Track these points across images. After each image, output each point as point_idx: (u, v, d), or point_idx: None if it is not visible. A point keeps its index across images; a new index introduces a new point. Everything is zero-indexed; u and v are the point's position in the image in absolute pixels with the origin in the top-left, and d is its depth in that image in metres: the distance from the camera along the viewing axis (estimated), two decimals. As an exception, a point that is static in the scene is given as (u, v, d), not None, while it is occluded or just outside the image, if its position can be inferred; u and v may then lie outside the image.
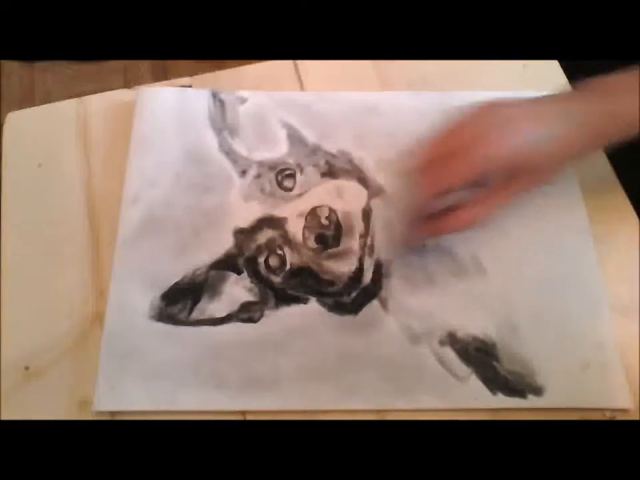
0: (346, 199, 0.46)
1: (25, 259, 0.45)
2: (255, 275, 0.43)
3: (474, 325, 0.41)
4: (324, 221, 0.45)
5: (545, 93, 0.50)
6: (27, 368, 0.41)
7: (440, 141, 0.39)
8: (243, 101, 0.50)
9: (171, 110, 0.49)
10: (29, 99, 1.24)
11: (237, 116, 0.50)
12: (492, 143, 0.38)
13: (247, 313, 0.42)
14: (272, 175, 0.47)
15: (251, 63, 0.53)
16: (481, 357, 0.40)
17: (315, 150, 0.48)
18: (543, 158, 0.39)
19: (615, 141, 0.40)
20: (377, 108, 0.50)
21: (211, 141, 0.48)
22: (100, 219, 0.46)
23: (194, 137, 0.48)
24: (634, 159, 0.45)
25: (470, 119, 0.39)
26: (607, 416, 0.39)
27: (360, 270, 0.43)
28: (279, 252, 0.44)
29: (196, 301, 0.42)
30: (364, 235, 0.45)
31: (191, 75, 0.53)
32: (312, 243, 0.44)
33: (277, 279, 0.43)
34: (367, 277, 0.43)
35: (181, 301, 0.42)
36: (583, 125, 0.39)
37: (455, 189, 0.38)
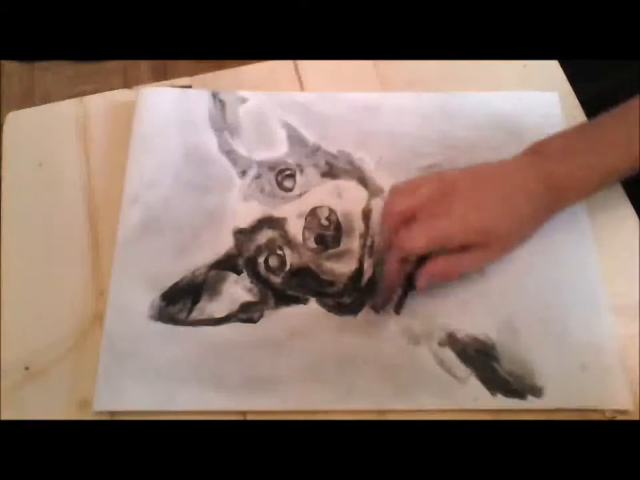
0: (346, 199, 0.46)
1: (25, 259, 0.45)
2: (255, 275, 0.43)
3: (474, 326, 0.41)
4: (324, 222, 0.45)
5: (546, 92, 0.50)
6: (27, 368, 0.41)
7: (405, 200, 0.40)
8: (243, 101, 0.50)
9: (171, 110, 0.49)
10: (29, 99, 1.24)
11: (237, 116, 0.50)
12: (455, 214, 0.39)
13: (246, 313, 0.42)
14: (272, 175, 0.47)
15: (250, 63, 0.53)
16: (480, 357, 0.40)
17: (315, 150, 0.48)
18: (507, 235, 0.41)
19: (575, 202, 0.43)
20: (377, 108, 0.50)
21: (211, 141, 0.48)
22: (100, 219, 0.46)
23: (194, 137, 0.48)
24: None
25: (435, 180, 0.40)
26: (607, 417, 0.38)
27: (360, 270, 0.43)
28: (279, 252, 0.44)
29: (196, 301, 0.42)
30: (364, 236, 0.45)
31: (191, 75, 0.53)
32: (312, 244, 0.44)
33: (276, 279, 0.43)
34: (367, 277, 0.43)
35: (180, 301, 0.42)
36: (544, 203, 0.41)
37: (415, 254, 0.39)
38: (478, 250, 0.40)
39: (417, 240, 0.38)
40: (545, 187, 0.40)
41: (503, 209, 0.40)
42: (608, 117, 0.41)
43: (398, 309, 0.41)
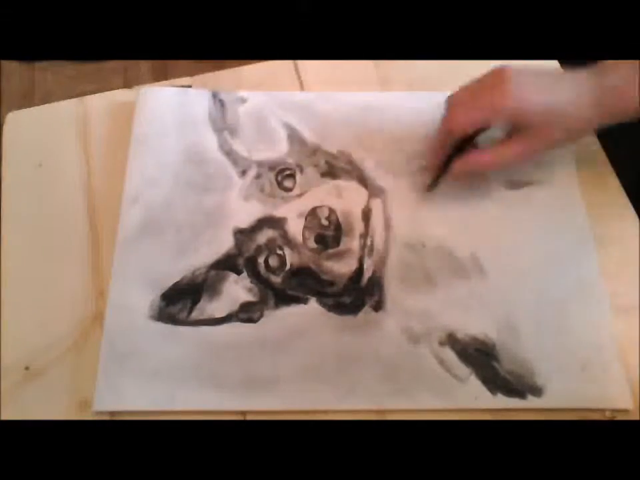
0: (346, 199, 0.46)
1: (25, 259, 0.45)
2: (255, 275, 0.43)
3: (474, 326, 0.41)
4: (324, 221, 0.45)
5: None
6: (27, 368, 0.41)
7: (470, 85, 0.42)
8: (243, 101, 0.50)
9: (171, 110, 0.49)
10: (29, 99, 1.24)
11: (237, 116, 0.50)
12: (524, 87, 0.40)
13: (246, 313, 0.42)
14: (272, 175, 0.47)
15: (250, 63, 0.53)
16: (480, 357, 0.40)
17: (315, 150, 0.48)
18: (556, 122, 0.40)
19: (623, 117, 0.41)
20: (377, 108, 0.50)
21: (210, 141, 0.48)
22: (100, 219, 0.46)
23: (194, 137, 0.48)
24: (634, 159, 0.45)
25: (497, 71, 0.41)
26: (607, 416, 0.39)
27: (360, 270, 0.43)
28: (279, 252, 0.44)
29: (196, 301, 0.42)
30: (364, 235, 0.45)
31: (191, 75, 0.53)
32: (312, 243, 0.44)
33: (276, 279, 0.43)
34: (367, 277, 0.43)
35: (180, 300, 0.42)
36: (597, 99, 0.40)
37: (486, 123, 0.41)
38: (521, 138, 0.41)
39: (461, 117, 0.41)
40: (596, 96, 0.40)
41: (556, 96, 0.40)
42: None
43: (430, 187, 0.45)
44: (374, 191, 0.46)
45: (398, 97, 0.51)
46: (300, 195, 0.46)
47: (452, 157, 0.43)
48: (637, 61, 0.41)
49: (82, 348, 0.41)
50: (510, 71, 0.40)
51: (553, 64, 0.52)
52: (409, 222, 0.45)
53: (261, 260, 0.44)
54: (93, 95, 0.52)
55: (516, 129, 0.41)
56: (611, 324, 0.41)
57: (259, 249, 0.44)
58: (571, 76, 0.42)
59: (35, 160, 0.49)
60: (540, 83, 0.41)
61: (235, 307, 0.42)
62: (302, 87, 0.52)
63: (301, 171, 0.47)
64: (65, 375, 0.40)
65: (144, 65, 1.27)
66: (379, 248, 0.44)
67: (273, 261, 0.44)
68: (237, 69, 0.53)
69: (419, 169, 0.47)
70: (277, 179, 0.47)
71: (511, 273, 0.43)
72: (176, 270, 0.43)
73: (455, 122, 0.41)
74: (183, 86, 0.51)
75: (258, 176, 0.47)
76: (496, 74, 0.41)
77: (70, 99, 0.52)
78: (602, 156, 0.48)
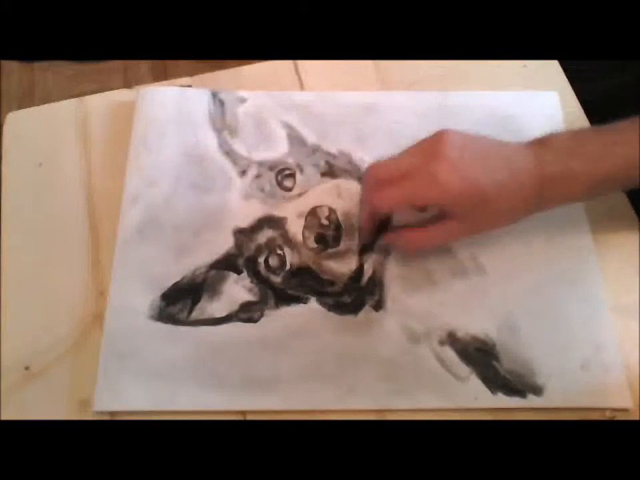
0: (346, 198, 0.46)
1: (25, 259, 0.45)
2: (255, 274, 0.43)
3: (474, 325, 0.41)
4: (324, 221, 0.45)
5: (546, 92, 0.50)
6: (27, 368, 0.41)
7: (390, 163, 0.40)
8: (243, 100, 0.50)
9: (171, 110, 0.49)
10: (29, 99, 1.24)
11: (237, 116, 0.50)
12: (432, 176, 0.37)
13: (246, 313, 0.42)
14: (272, 175, 0.47)
15: (251, 63, 0.53)
16: (480, 356, 0.40)
17: (315, 150, 0.48)
18: (484, 210, 0.38)
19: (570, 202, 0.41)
20: (377, 108, 0.50)
21: (210, 140, 0.48)
22: (100, 219, 0.46)
23: (194, 137, 0.48)
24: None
25: (431, 143, 0.38)
26: (607, 416, 0.39)
27: (360, 270, 0.43)
28: (279, 252, 0.44)
29: (196, 301, 0.42)
30: (364, 235, 0.45)
31: (191, 75, 0.53)
32: (312, 243, 0.44)
33: (276, 279, 0.43)
34: (367, 276, 0.43)
35: (180, 300, 0.42)
36: (531, 196, 0.38)
37: (384, 212, 0.41)
38: (447, 222, 0.39)
39: (385, 199, 0.39)
40: (536, 180, 0.38)
41: (486, 181, 0.37)
42: (613, 126, 0.39)
43: (361, 253, 0.44)
44: (374, 190, 0.46)
45: (397, 96, 0.51)
46: (300, 195, 0.46)
47: (380, 228, 0.43)
48: (582, 130, 0.40)
49: (82, 348, 0.41)
50: (446, 145, 0.37)
51: (553, 64, 0.52)
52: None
53: (261, 260, 0.44)
54: (93, 95, 0.52)
55: (446, 214, 0.39)
56: (611, 324, 0.41)
57: (259, 249, 0.44)
58: (510, 162, 0.38)
59: (35, 160, 0.49)
60: (469, 173, 0.37)
61: (235, 306, 0.42)
62: (302, 87, 0.52)
63: (301, 170, 0.47)
64: (65, 375, 0.40)
65: (144, 65, 1.28)
66: (379, 247, 0.44)
67: (273, 261, 0.44)
68: (236, 69, 0.53)
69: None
70: (277, 179, 0.47)
71: (510, 272, 0.43)
72: (176, 270, 0.43)
73: (379, 201, 0.39)
74: (182, 86, 0.51)
75: (258, 176, 0.47)
76: (428, 147, 0.38)
77: (70, 98, 0.52)
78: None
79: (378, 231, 0.43)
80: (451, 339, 0.41)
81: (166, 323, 0.41)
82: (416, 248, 0.42)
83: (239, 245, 0.44)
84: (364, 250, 0.44)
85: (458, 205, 0.38)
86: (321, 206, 0.46)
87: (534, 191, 0.38)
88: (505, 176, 0.38)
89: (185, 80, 0.52)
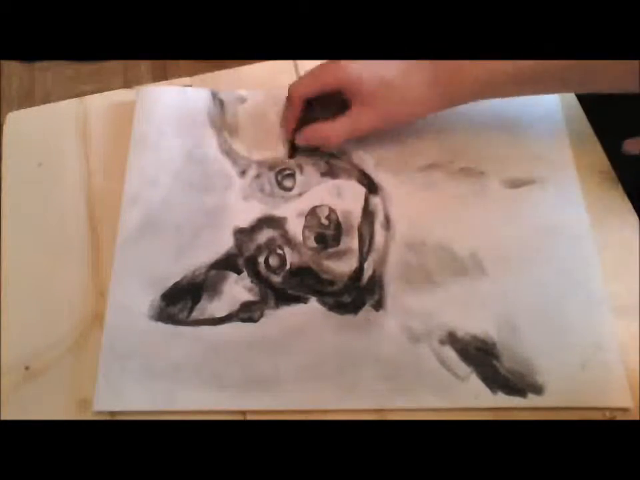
0: (346, 198, 0.46)
1: (25, 259, 0.45)
2: (255, 274, 0.43)
3: (474, 324, 0.41)
4: (324, 221, 0.45)
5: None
6: (27, 368, 0.41)
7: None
8: (243, 100, 0.50)
9: (171, 110, 0.49)
10: (29, 99, 1.24)
11: (237, 115, 0.50)
12: (358, 64, 0.43)
13: (247, 313, 0.42)
14: (272, 175, 0.47)
15: (251, 63, 0.53)
16: (481, 356, 0.40)
17: (315, 149, 0.48)
18: (400, 85, 0.43)
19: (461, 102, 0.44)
20: (377, 108, 0.50)
21: (210, 140, 0.48)
22: (100, 219, 0.46)
23: (194, 136, 0.48)
24: (634, 159, 0.45)
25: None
26: (607, 415, 0.39)
27: (360, 269, 0.43)
28: (279, 252, 0.44)
29: (196, 301, 0.42)
30: (364, 235, 0.44)
31: (190, 75, 0.53)
32: (312, 243, 0.44)
33: (277, 279, 0.43)
34: (367, 276, 0.43)
35: (181, 300, 0.42)
36: (433, 78, 0.43)
37: (322, 90, 0.45)
38: (357, 112, 0.43)
39: (298, 85, 0.45)
40: (432, 72, 0.43)
41: (387, 70, 0.43)
42: None
43: (290, 155, 0.48)
44: (374, 190, 0.46)
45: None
46: (300, 195, 0.46)
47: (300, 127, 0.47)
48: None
49: (82, 348, 0.41)
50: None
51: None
52: (409, 221, 0.45)
53: (261, 259, 0.44)
54: (92, 95, 0.52)
55: (353, 102, 0.43)
56: (611, 323, 0.41)
57: (259, 249, 0.44)
58: (408, 63, 0.44)
59: (35, 160, 0.49)
60: (374, 63, 0.43)
61: (236, 306, 0.42)
62: (302, 86, 0.52)
63: (301, 170, 0.47)
64: (65, 375, 0.40)
65: (144, 65, 1.28)
66: (379, 247, 0.44)
67: (273, 261, 0.44)
68: (236, 69, 0.53)
69: (419, 168, 0.47)
70: (276, 179, 0.47)
71: (511, 271, 0.43)
72: (176, 270, 0.43)
73: (294, 87, 0.45)
74: (183, 86, 0.51)
75: (258, 175, 0.47)
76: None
77: (70, 99, 0.52)
78: (602, 155, 0.48)
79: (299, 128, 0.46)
80: (451, 339, 0.41)
81: (166, 322, 0.41)
82: (328, 140, 0.45)
83: (238, 245, 0.44)
84: (293, 150, 0.47)
85: (361, 88, 0.43)
86: (320, 206, 0.46)
87: (432, 79, 0.43)
88: (404, 66, 0.43)
89: (185, 80, 0.52)
